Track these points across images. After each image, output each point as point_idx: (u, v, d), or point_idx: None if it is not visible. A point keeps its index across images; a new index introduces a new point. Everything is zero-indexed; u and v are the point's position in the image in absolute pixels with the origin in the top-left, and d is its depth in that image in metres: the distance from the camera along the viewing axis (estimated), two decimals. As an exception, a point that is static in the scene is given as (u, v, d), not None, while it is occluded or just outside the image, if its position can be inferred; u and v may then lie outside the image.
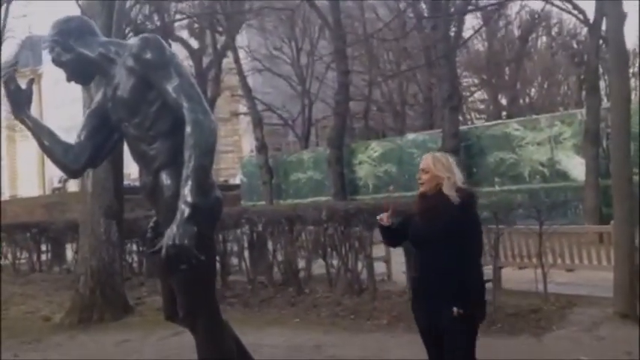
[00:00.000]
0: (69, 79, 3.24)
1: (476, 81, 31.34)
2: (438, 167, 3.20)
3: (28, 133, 3.35)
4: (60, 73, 3.30)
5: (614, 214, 6.38)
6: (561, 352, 5.06)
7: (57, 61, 3.18)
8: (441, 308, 3.06)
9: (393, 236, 3.48)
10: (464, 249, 3.11)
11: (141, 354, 5.87)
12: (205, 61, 24.25)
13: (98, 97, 3.30)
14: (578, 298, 6.87)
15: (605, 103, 13.66)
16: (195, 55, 23.80)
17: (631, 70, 21.51)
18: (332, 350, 5.50)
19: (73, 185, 33.28)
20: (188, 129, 2.83)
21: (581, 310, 6.39)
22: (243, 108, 31.43)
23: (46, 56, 3.38)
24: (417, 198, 3.27)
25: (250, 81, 27.30)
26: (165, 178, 3.01)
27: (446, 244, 3.08)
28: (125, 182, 8.89)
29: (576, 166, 15.24)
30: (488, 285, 7.52)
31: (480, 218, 3.36)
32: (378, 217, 3.38)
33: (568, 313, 6.31)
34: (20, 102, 3.28)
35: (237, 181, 32.11)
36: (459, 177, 3.22)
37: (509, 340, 5.59)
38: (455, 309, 3.01)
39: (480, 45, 29.82)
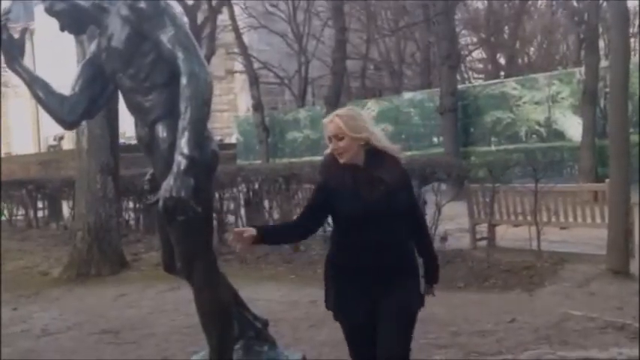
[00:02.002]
0: (62, 29, 3.18)
1: (474, 40, 30.99)
2: (352, 126, 2.50)
3: (21, 90, 3.31)
4: (52, 28, 3.22)
5: (610, 172, 6.41)
6: (552, 307, 5.14)
7: (50, 11, 3.11)
8: (388, 292, 2.50)
9: (305, 226, 2.65)
10: (419, 218, 2.71)
11: (139, 307, 5.95)
12: (200, 17, 23.84)
13: (92, 47, 3.24)
14: (571, 256, 6.94)
15: (604, 62, 13.56)
16: (190, 11, 23.35)
17: (631, 30, 21.25)
18: (328, 305, 5.58)
19: (68, 143, 33.12)
20: (184, 80, 2.79)
21: (573, 267, 6.46)
22: (238, 66, 31.09)
23: (39, 11, 3.29)
24: (343, 171, 2.52)
25: (246, 38, 26.94)
26: (161, 131, 2.99)
27: (401, 216, 2.54)
28: (120, 141, 8.84)
29: (573, 126, 15.24)
30: (483, 242, 7.73)
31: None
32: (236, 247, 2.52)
33: (560, 270, 6.39)
34: (13, 52, 3.23)
35: (232, 140, 31.95)
36: (378, 131, 2.59)
37: (502, 295, 5.68)
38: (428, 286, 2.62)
39: (479, 3, 29.39)
